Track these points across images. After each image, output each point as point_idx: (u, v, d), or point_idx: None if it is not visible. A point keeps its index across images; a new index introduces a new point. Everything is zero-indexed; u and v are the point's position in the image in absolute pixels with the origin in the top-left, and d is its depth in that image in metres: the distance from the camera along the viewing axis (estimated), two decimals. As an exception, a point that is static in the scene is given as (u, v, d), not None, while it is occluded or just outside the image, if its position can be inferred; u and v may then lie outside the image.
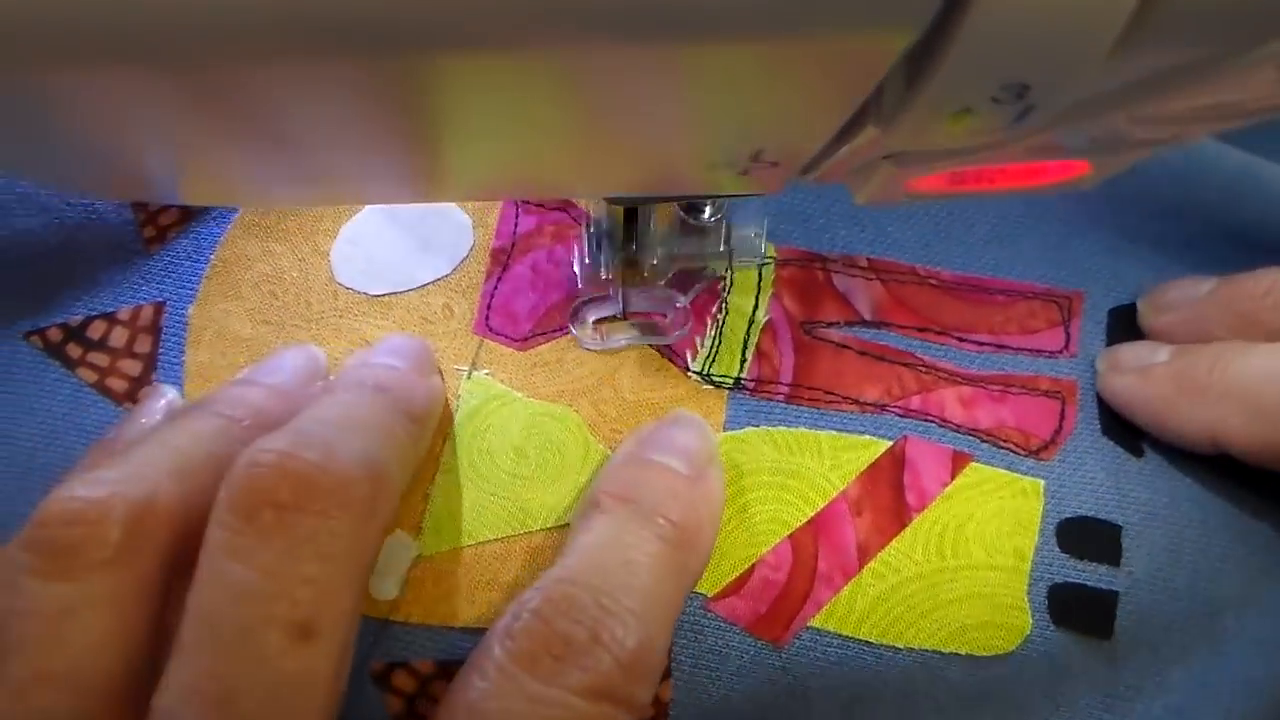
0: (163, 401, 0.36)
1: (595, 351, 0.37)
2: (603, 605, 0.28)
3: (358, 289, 0.38)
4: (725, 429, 0.37)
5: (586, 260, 0.36)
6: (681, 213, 0.36)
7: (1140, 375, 0.36)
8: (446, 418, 0.36)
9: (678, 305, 0.38)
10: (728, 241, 0.36)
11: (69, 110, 0.18)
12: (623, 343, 0.38)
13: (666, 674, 0.34)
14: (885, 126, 0.20)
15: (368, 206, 0.38)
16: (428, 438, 0.34)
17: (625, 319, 0.38)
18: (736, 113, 0.20)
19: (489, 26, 0.15)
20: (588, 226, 0.35)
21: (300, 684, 0.26)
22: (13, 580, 0.27)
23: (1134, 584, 0.35)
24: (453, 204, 0.38)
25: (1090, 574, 0.35)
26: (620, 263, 0.36)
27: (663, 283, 0.37)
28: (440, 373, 0.37)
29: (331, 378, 0.36)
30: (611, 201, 0.33)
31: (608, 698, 0.28)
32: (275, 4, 0.14)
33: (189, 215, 0.38)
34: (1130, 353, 0.37)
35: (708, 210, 0.36)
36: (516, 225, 0.38)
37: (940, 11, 0.15)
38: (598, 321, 0.37)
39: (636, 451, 0.34)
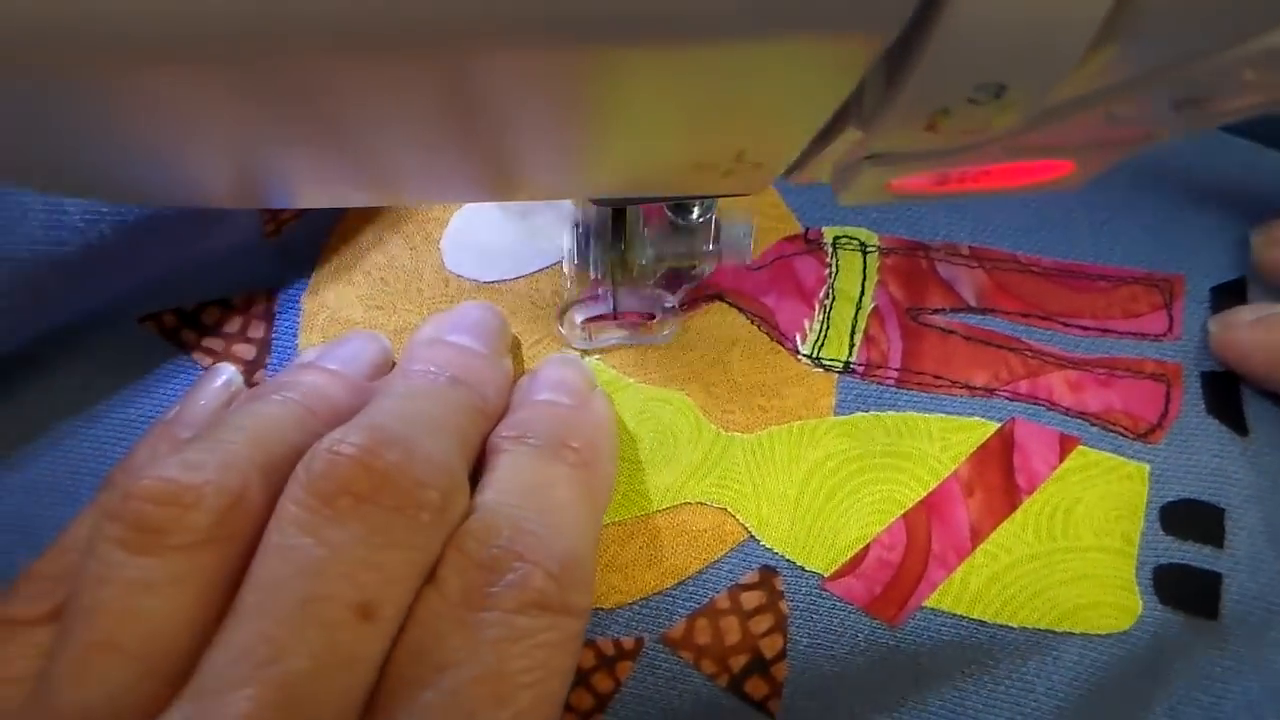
0: (220, 381, 0.37)
1: (703, 333, 0.38)
2: (518, 525, 0.29)
3: (468, 276, 0.38)
4: (835, 413, 0.37)
5: (575, 260, 0.36)
6: (669, 213, 0.36)
7: (1261, 325, 0.37)
8: None
9: (666, 305, 0.38)
10: (716, 241, 0.37)
11: (131, 113, 0.18)
12: (611, 342, 0.38)
13: (781, 654, 0.35)
14: (866, 127, 0.20)
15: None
16: (496, 420, 0.34)
17: (614, 319, 0.38)
18: (719, 115, 0.20)
19: (477, 29, 0.15)
20: (575, 226, 0.36)
21: (351, 661, 0.27)
22: (94, 546, 0.28)
23: (1236, 565, 0.35)
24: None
25: (1194, 555, 0.35)
26: (608, 262, 0.36)
27: (651, 282, 0.38)
28: (518, 347, 0.38)
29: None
30: (598, 202, 0.34)
31: (546, 608, 0.28)
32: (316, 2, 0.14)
33: (305, 209, 0.39)
34: (1245, 310, 0.38)
35: (695, 210, 0.36)
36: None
37: (917, 12, 0.15)
38: (586, 321, 0.38)
39: (519, 398, 0.35)
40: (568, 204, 0.39)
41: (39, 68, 0.15)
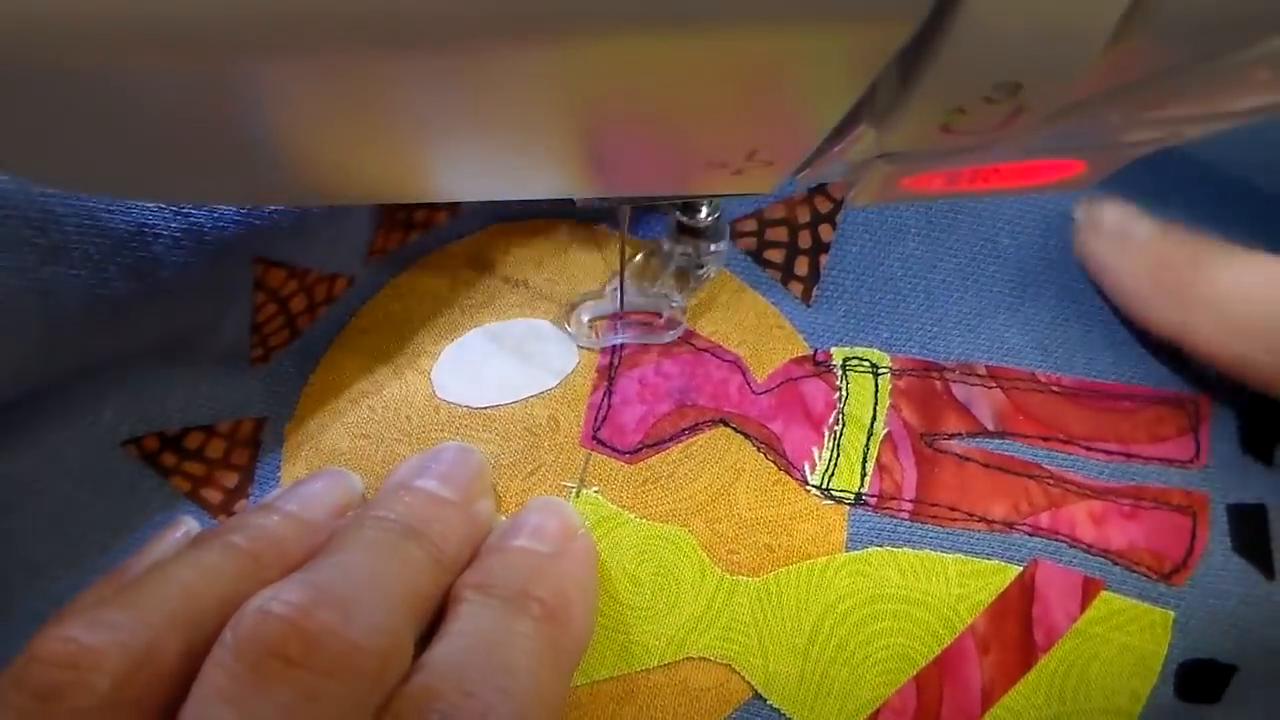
0: (180, 533, 0.35)
1: (706, 461, 0.36)
2: (463, 688, 0.27)
3: (461, 403, 0.37)
4: (848, 548, 0.35)
5: None
6: (678, 213, 0.35)
7: (1118, 247, 0.36)
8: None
9: (674, 305, 0.37)
10: (723, 241, 0.36)
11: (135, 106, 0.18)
12: (618, 341, 0.37)
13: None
14: (879, 125, 0.20)
15: (472, 330, 0.38)
16: (457, 572, 0.32)
17: (621, 318, 0.37)
18: (731, 111, 0.20)
19: (478, 23, 0.15)
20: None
21: None
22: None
23: (1222, 710, 0.35)
24: (554, 325, 0.38)
25: (1191, 714, 0.34)
26: (616, 261, 0.36)
27: (659, 282, 0.37)
28: (495, 492, 0.36)
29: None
30: (607, 200, 0.32)
31: None
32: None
33: (295, 335, 0.38)
34: (1113, 215, 0.36)
35: (704, 210, 0.35)
36: (622, 345, 0.37)
37: (933, 10, 0.15)
38: (593, 320, 0.37)
39: (493, 541, 0.33)
40: (562, 334, 0.37)
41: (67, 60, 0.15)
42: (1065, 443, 0.37)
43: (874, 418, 0.37)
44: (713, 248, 0.36)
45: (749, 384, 0.37)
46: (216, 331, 0.37)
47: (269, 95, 0.17)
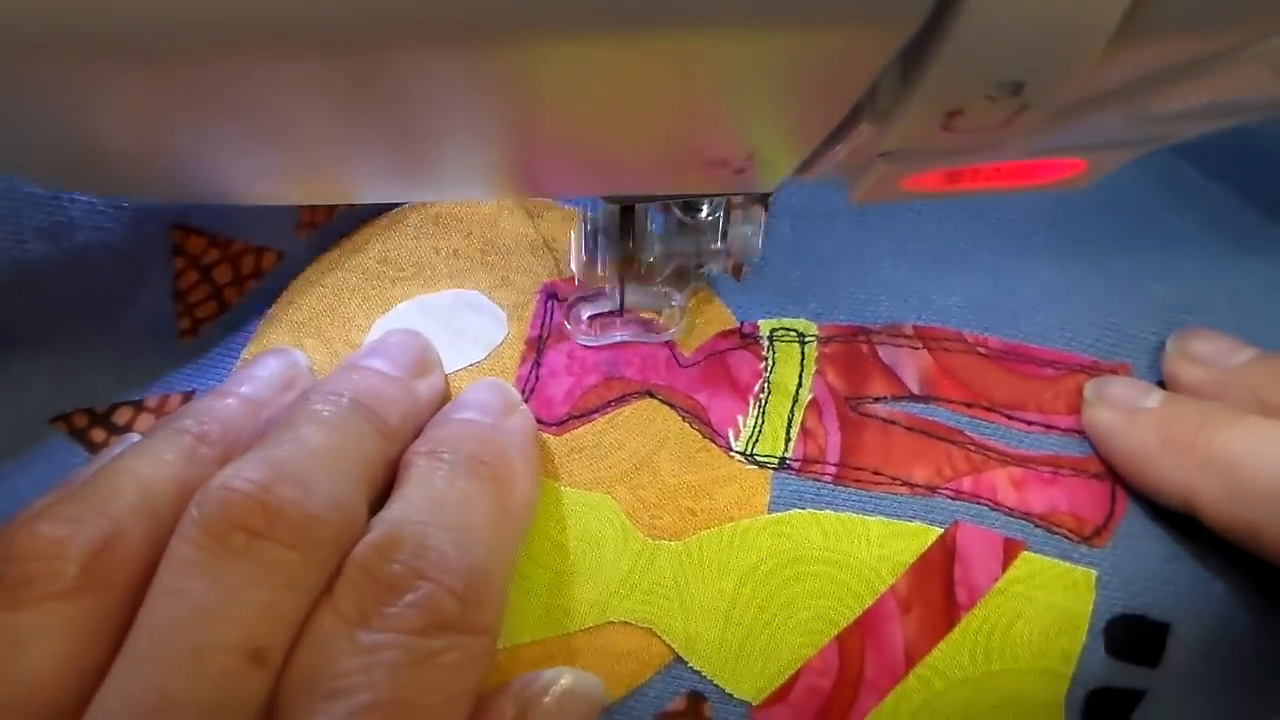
0: (130, 442, 0.35)
1: (631, 431, 0.37)
2: (422, 541, 0.29)
3: (390, 376, 0.37)
4: (770, 510, 0.36)
5: (583, 256, 0.36)
6: (678, 211, 0.35)
7: (1127, 417, 0.35)
8: None
9: (673, 303, 0.37)
10: (724, 239, 0.36)
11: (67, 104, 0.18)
12: (617, 339, 0.37)
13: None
14: (880, 124, 0.20)
15: (404, 303, 0.38)
16: (402, 447, 0.33)
17: (621, 316, 0.37)
18: (732, 111, 0.20)
19: (485, 20, 0.15)
20: (584, 222, 0.35)
21: (243, 706, 0.26)
22: None
23: (1167, 679, 0.34)
24: (485, 297, 0.38)
25: (1127, 673, 0.34)
26: (616, 260, 0.35)
27: (659, 280, 0.37)
28: (441, 367, 0.37)
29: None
30: (608, 200, 0.33)
31: (445, 628, 0.28)
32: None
33: (223, 308, 0.38)
34: (1121, 390, 0.36)
35: (704, 208, 0.35)
36: (551, 317, 0.37)
37: (935, 9, 0.15)
38: (593, 318, 0.37)
39: (438, 417, 0.35)
40: (493, 307, 0.37)
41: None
42: (987, 410, 0.37)
43: (799, 384, 0.37)
44: (713, 246, 0.36)
45: (676, 357, 0.37)
46: (136, 301, 0.37)
47: (227, 97, 0.18)
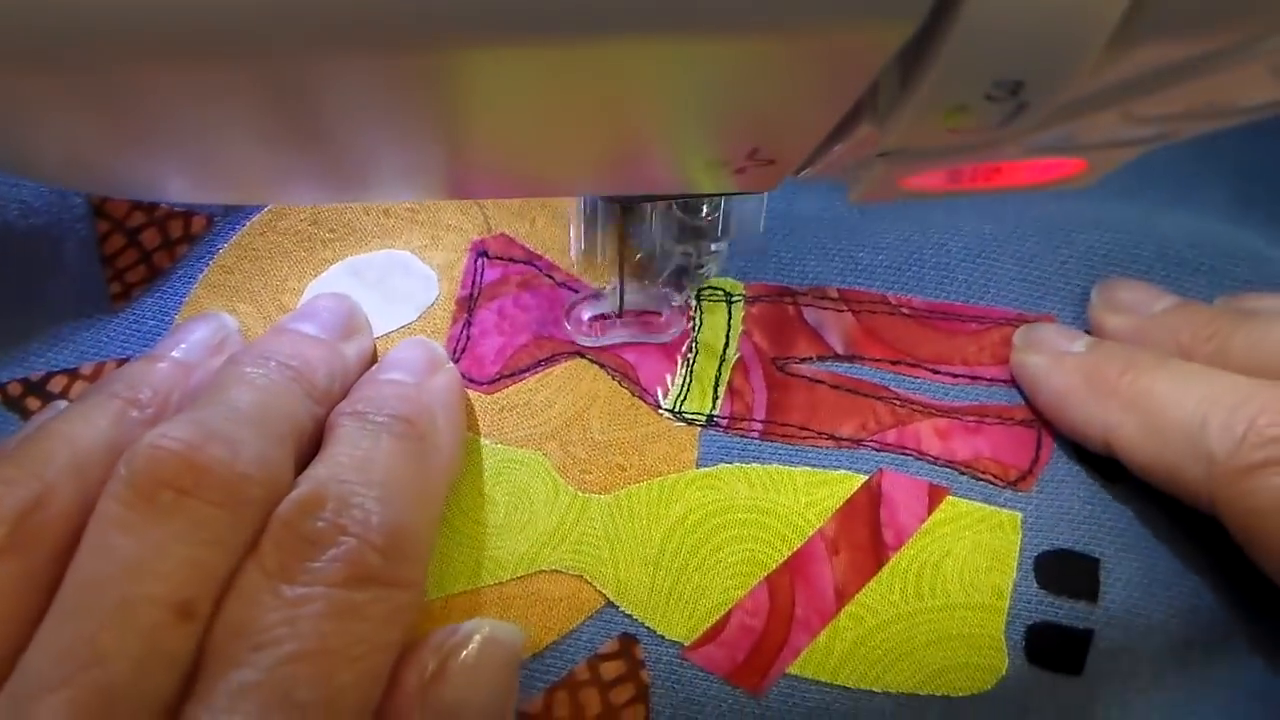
0: (58, 408, 0.36)
1: (562, 390, 0.37)
2: (344, 498, 0.29)
3: (323, 340, 0.37)
4: (698, 466, 0.36)
5: (582, 245, 0.36)
6: (678, 211, 0.36)
7: (1053, 360, 0.36)
8: None
9: (673, 303, 0.38)
10: (727, 222, 0.36)
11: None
12: (618, 340, 0.38)
13: (644, 720, 0.33)
14: (880, 124, 0.20)
15: (335, 265, 0.38)
16: (329, 408, 0.34)
17: (621, 316, 0.38)
18: (732, 110, 0.20)
19: (488, 20, 0.15)
20: (583, 218, 0.36)
21: (171, 660, 0.27)
22: None
23: (1110, 620, 0.34)
24: (416, 257, 0.38)
25: (1068, 611, 0.34)
26: (617, 260, 0.36)
27: (659, 281, 0.38)
28: (369, 329, 0.37)
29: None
30: (608, 199, 0.34)
31: (368, 581, 0.29)
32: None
33: (154, 273, 0.38)
34: (1048, 335, 0.37)
35: (705, 208, 0.35)
36: (481, 276, 0.38)
37: (934, 7, 0.15)
38: (593, 319, 0.37)
39: (365, 378, 0.35)
40: (423, 266, 0.38)
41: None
42: (912, 366, 0.37)
43: (726, 344, 0.38)
44: (713, 247, 0.37)
45: (605, 316, 0.38)
46: (61, 266, 0.37)
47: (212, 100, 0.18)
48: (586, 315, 0.37)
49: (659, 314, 0.38)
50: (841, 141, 0.22)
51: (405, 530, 0.30)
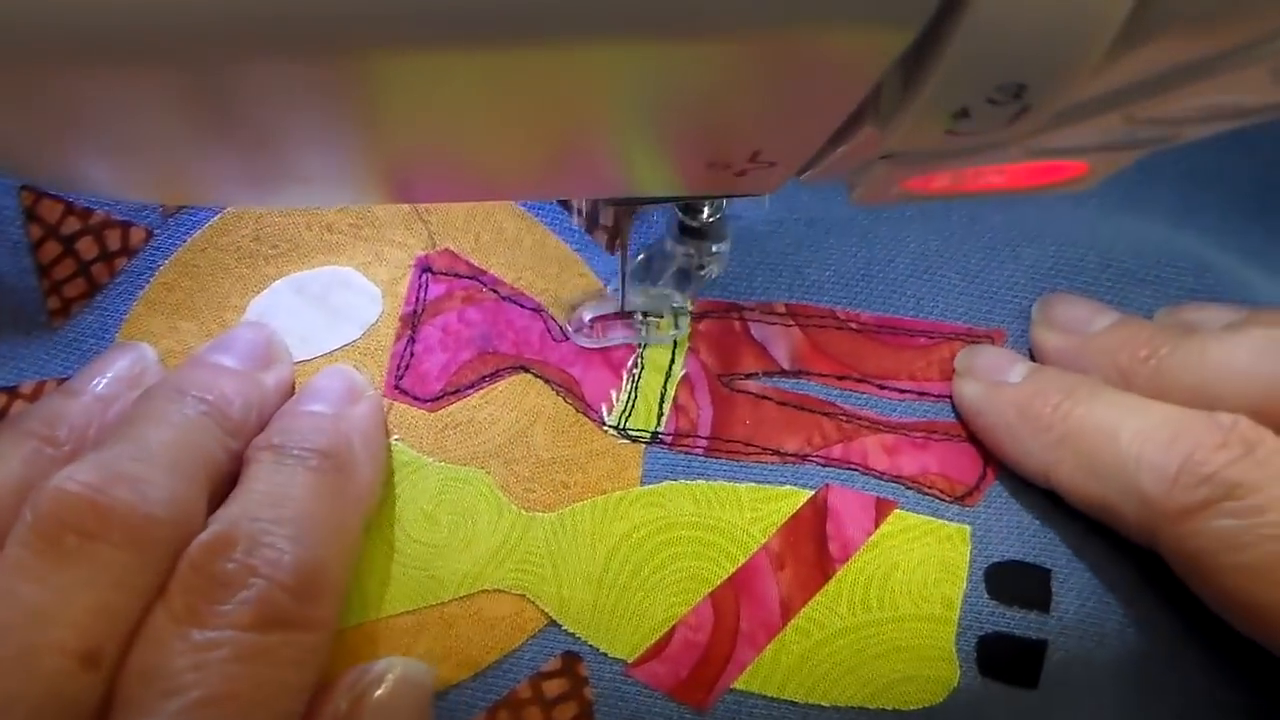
0: None
1: (505, 406, 0.37)
2: (255, 539, 0.29)
3: (266, 358, 0.37)
4: (643, 483, 0.36)
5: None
6: (679, 213, 0.35)
7: (990, 392, 0.35)
8: None
9: (674, 305, 0.38)
10: (725, 242, 0.37)
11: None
12: (618, 341, 0.38)
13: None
14: (883, 126, 0.20)
15: (277, 281, 0.38)
16: (246, 441, 0.33)
17: (622, 318, 0.38)
18: (735, 113, 0.20)
19: (485, 22, 0.15)
20: (579, 214, 0.36)
21: (74, 708, 0.27)
22: None
23: (1063, 630, 0.34)
24: (360, 274, 0.38)
25: (1020, 621, 0.34)
26: (618, 261, 0.36)
27: (660, 283, 0.37)
28: (288, 358, 0.37)
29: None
30: (609, 202, 0.34)
31: (279, 624, 0.28)
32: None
33: (94, 288, 0.37)
34: (987, 361, 0.37)
35: (705, 211, 0.35)
36: (425, 292, 0.37)
37: (937, 11, 0.15)
38: (594, 320, 0.37)
39: (284, 409, 0.35)
40: (367, 284, 0.37)
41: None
42: (859, 381, 0.37)
43: (672, 360, 0.37)
44: (714, 248, 0.37)
45: (550, 331, 0.38)
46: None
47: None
48: (588, 316, 0.37)
49: (660, 315, 0.38)
50: (844, 144, 0.22)
51: (318, 568, 0.29)
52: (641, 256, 0.38)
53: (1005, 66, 0.17)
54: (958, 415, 0.37)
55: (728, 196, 0.34)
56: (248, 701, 0.27)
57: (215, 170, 0.23)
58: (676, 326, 0.38)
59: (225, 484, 0.32)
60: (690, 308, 0.38)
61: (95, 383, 0.35)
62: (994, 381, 0.36)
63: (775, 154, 0.22)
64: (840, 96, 0.19)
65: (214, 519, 0.30)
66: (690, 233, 0.36)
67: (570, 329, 0.37)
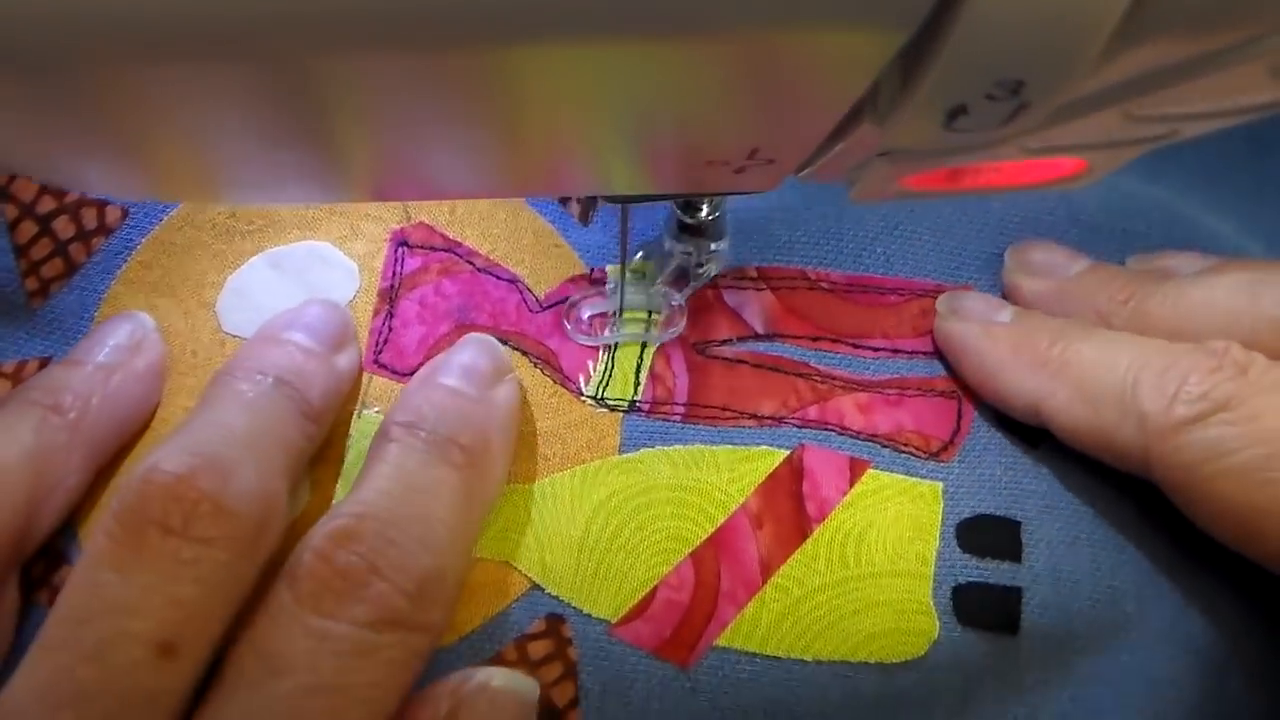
0: None
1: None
2: (384, 536, 0.29)
3: (244, 335, 0.37)
4: (620, 451, 0.36)
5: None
6: (678, 211, 0.36)
7: (981, 329, 0.36)
8: (335, 457, 0.35)
9: (673, 303, 0.38)
10: (724, 240, 0.37)
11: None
12: (616, 339, 0.38)
13: (574, 702, 0.33)
14: (881, 123, 0.20)
15: (254, 257, 0.38)
16: (328, 424, 0.34)
17: (620, 315, 0.38)
18: (733, 110, 0.20)
19: (487, 21, 0.15)
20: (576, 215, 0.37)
21: (152, 699, 0.27)
22: None
23: (1036, 578, 0.34)
24: (337, 249, 0.38)
25: (993, 572, 0.34)
26: (591, 234, 0.37)
27: (659, 280, 0.38)
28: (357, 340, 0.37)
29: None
30: (608, 199, 0.34)
31: (396, 625, 0.29)
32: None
33: (71, 268, 0.38)
34: (974, 303, 0.37)
35: (704, 208, 0.36)
36: (402, 265, 0.38)
37: (935, 8, 0.15)
38: (593, 317, 0.38)
39: (425, 375, 0.34)
40: (344, 259, 0.38)
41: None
42: (833, 342, 0.38)
43: (647, 330, 0.38)
44: (713, 246, 0.37)
45: (527, 303, 0.38)
46: None
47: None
48: (586, 314, 0.38)
49: (658, 313, 0.38)
50: (842, 141, 0.22)
51: (439, 574, 0.30)
52: (640, 255, 0.38)
53: (1003, 63, 0.17)
54: (939, 366, 0.38)
55: (726, 194, 0.34)
56: (352, 695, 0.28)
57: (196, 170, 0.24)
58: (676, 325, 0.38)
59: (301, 469, 0.33)
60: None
61: (96, 352, 0.35)
62: (984, 320, 0.36)
63: (774, 151, 0.22)
64: (838, 94, 0.19)
65: (344, 502, 0.30)
66: (689, 231, 0.36)
67: (569, 327, 0.38)
